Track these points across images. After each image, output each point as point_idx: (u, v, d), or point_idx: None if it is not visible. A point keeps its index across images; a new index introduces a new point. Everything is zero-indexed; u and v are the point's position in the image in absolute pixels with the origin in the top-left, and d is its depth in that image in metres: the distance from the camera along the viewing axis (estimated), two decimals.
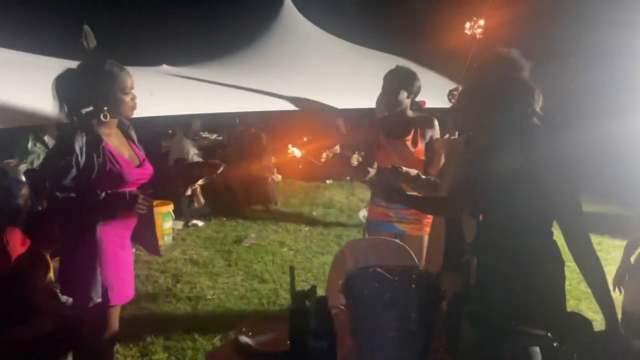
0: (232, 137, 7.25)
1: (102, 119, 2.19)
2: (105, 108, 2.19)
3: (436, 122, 3.04)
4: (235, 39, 7.88)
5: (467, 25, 5.36)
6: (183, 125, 6.39)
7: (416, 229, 3.03)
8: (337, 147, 8.56)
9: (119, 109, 2.22)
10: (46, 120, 3.26)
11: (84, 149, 2.11)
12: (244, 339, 1.73)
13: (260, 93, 5.10)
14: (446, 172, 2.38)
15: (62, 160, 2.10)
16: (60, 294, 2.87)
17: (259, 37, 7.84)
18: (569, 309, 1.97)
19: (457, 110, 2.31)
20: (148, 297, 3.99)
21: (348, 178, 8.50)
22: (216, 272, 4.56)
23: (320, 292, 3.93)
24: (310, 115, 8.47)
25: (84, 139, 2.12)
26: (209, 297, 4.04)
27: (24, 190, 3.30)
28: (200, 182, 5.33)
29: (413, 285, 1.48)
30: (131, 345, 3.26)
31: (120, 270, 2.28)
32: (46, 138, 5.81)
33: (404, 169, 2.60)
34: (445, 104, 4.26)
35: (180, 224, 5.85)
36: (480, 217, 1.93)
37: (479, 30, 5.27)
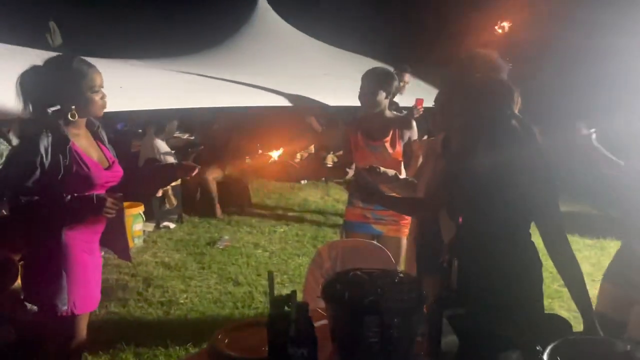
0: (206, 137, 7.13)
1: (70, 118, 2.10)
2: (73, 107, 2.10)
3: (414, 123, 3.04)
4: (208, 37, 7.78)
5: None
6: (155, 124, 6.24)
7: (394, 230, 3.02)
8: (312, 147, 8.53)
9: (87, 108, 2.14)
10: (7, 115, 3.10)
11: (50, 150, 2.02)
12: (219, 346, 1.67)
13: (252, 87, 5.01)
14: (424, 173, 2.36)
15: (26, 161, 2.00)
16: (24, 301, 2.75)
17: (233, 35, 7.76)
18: None
19: (435, 110, 2.30)
20: (118, 302, 3.87)
21: (323, 178, 8.48)
22: (189, 276, 4.46)
23: (297, 293, 3.89)
24: (282, 114, 8.44)
25: (50, 139, 2.03)
26: (181, 301, 3.95)
27: None
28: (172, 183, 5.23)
29: (394, 290, 1.44)
30: (101, 352, 3.15)
31: (88, 277, 2.20)
32: (10, 135, 5.59)
33: (382, 169, 2.58)
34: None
35: (151, 226, 5.72)
36: (460, 219, 1.92)
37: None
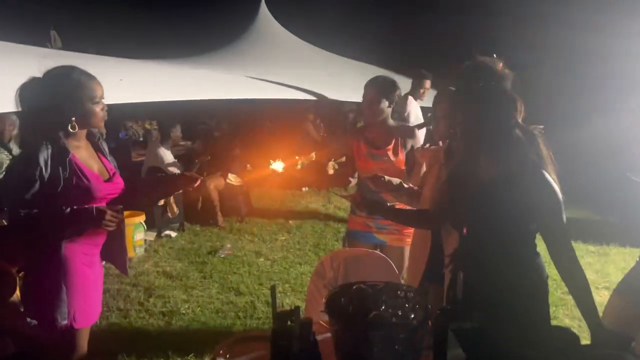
0: (208, 146, 7.12)
1: (70, 129, 2.08)
2: (73, 119, 2.08)
3: (417, 132, 3.02)
4: (208, 42, 7.81)
5: None
6: (160, 132, 6.24)
7: (397, 240, 2.99)
8: (313, 154, 8.51)
9: (88, 119, 2.12)
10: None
11: (49, 162, 2.00)
12: (221, 359, 1.65)
13: (254, 80, 5.02)
14: (428, 181, 2.34)
15: (25, 174, 1.98)
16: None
17: (234, 41, 7.80)
18: None
19: (438, 119, 2.28)
20: (119, 313, 3.84)
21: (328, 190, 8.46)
22: (190, 285, 4.43)
23: (299, 302, 3.86)
24: (283, 120, 8.45)
25: (50, 151, 2.01)
26: (183, 311, 3.92)
27: None
28: None
29: (399, 304, 1.42)
30: None
31: (88, 291, 2.17)
32: (11, 144, 5.59)
33: (386, 177, 2.56)
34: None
35: (152, 235, 5.69)
36: (464, 230, 1.90)
37: None
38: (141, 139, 7.88)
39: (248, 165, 6.95)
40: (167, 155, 6.08)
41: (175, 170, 6.01)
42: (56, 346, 2.16)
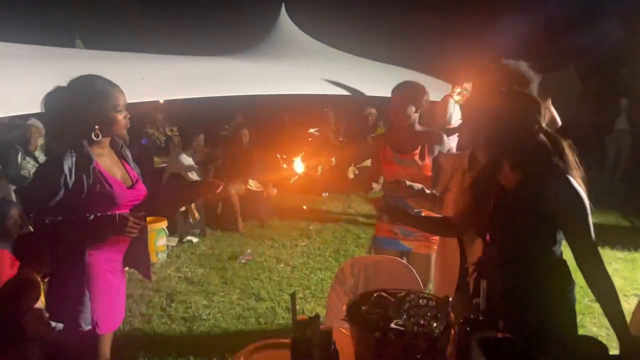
0: (228, 151, 7.17)
1: (94, 138, 2.11)
2: (97, 126, 2.11)
3: (445, 137, 2.96)
4: (229, 46, 7.88)
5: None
6: (183, 138, 6.32)
7: (423, 247, 2.94)
8: (333, 159, 8.49)
9: (111, 127, 2.15)
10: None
11: (74, 170, 2.03)
12: None
13: (283, 75, 5.06)
14: (451, 187, 2.30)
15: (50, 181, 2.02)
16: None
17: (254, 47, 7.86)
18: None
19: (463, 124, 2.24)
20: (142, 318, 3.88)
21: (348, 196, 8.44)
22: (211, 291, 4.46)
23: (319, 309, 3.83)
24: (302, 125, 8.47)
25: (74, 158, 2.04)
26: (204, 317, 3.93)
27: (14, 211, 3.22)
28: None
29: (421, 313, 1.40)
30: None
31: (111, 297, 2.20)
32: (37, 153, 5.72)
33: (408, 182, 2.53)
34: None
35: (174, 241, 5.74)
36: (488, 237, 1.87)
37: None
38: (163, 146, 7.97)
39: (284, 165, 6.97)
40: (189, 162, 6.14)
41: (195, 177, 6.06)
42: (80, 352, 2.19)
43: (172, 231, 5.63)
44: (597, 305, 3.63)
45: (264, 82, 5.13)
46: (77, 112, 2.09)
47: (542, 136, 1.79)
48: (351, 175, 7.45)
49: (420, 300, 1.47)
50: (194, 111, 7.83)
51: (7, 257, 2.96)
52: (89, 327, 2.09)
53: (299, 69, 6.33)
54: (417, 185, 2.55)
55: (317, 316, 1.34)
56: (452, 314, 1.44)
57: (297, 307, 3.71)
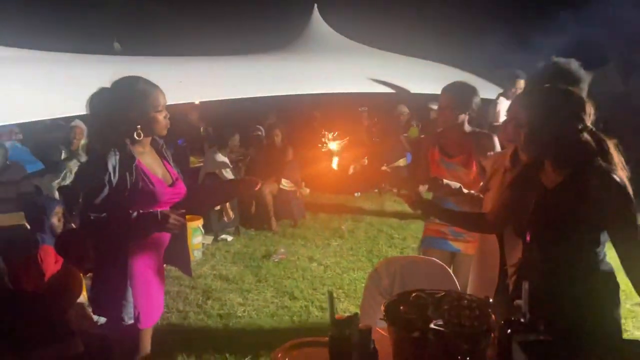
0: (259, 152, 7.24)
1: (136, 137, 2.17)
2: (139, 126, 2.17)
3: (496, 140, 2.89)
4: (262, 47, 7.95)
5: None
6: (218, 139, 6.42)
7: (472, 248, 2.87)
8: (365, 159, 8.45)
9: (152, 126, 2.20)
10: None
11: (117, 168, 2.09)
12: None
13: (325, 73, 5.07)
14: (491, 187, 2.26)
15: (95, 179, 2.08)
16: (92, 314, 2.86)
17: (286, 47, 7.91)
18: None
19: (507, 121, 2.19)
20: (179, 314, 3.96)
21: (377, 190, 8.39)
22: (246, 289, 4.51)
23: (352, 308, 3.83)
24: (335, 124, 8.46)
25: (117, 157, 2.10)
26: (239, 314, 3.99)
27: (58, 209, 3.33)
28: None
29: (461, 314, 1.38)
30: None
31: (151, 292, 2.25)
32: (79, 151, 5.90)
33: (445, 180, 2.50)
34: None
35: (209, 239, 5.84)
36: (528, 237, 1.83)
37: None
38: (198, 146, 8.09)
39: (300, 171, 7.01)
40: (224, 162, 6.23)
41: (230, 176, 6.14)
42: (121, 346, 2.25)
43: (207, 230, 5.73)
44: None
45: (298, 82, 5.15)
46: (120, 112, 2.15)
47: (586, 135, 1.74)
48: (350, 172, 7.37)
49: (460, 301, 1.45)
50: (228, 111, 7.93)
51: (52, 253, 3.06)
52: (131, 321, 2.14)
53: (334, 67, 6.32)
54: (454, 184, 2.52)
55: (356, 315, 1.35)
56: (493, 316, 1.42)
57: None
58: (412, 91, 5.62)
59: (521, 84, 5.38)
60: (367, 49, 8.15)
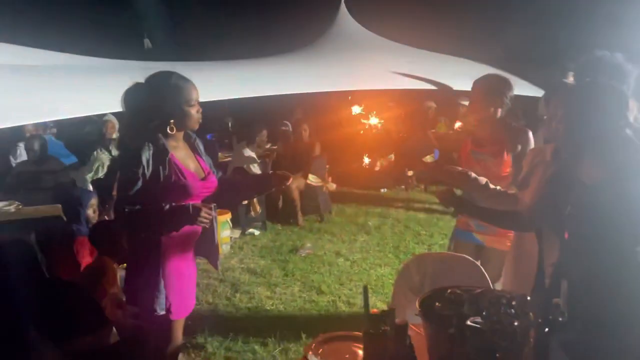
0: (287, 147, 7.27)
1: (169, 131, 2.19)
2: (172, 120, 2.19)
3: (530, 134, 2.82)
4: (290, 43, 7.94)
5: None
6: (246, 134, 6.47)
7: (496, 242, 2.83)
8: (392, 155, 8.40)
9: (184, 121, 2.23)
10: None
11: (151, 161, 2.12)
12: (313, 358, 1.66)
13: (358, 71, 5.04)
14: (531, 183, 2.20)
15: (129, 172, 2.11)
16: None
17: (314, 42, 7.88)
18: None
19: (549, 116, 2.14)
20: (208, 306, 4.01)
21: (403, 187, 8.34)
22: (274, 282, 4.54)
23: (380, 304, 3.81)
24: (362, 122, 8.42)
25: (151, 151, 2.13)
26: (267, 307, 4.02)
27: (93, 200, 3.40)
28: None
29: (500, 311, 1.36)
30: (193, 355, 3.27)
31: (183, 283, 2.29)
32: (111, 146, 6.02)
33: (473, 175, 2.46)
34: None
35: (237, 233, 5.89)
36: (566, 235, 1.79)
37: None
38: (227, 141, 8.18)
39: (327, 166, 7.02)
40: (252, 157, 6.28)
41: (258, 171, 6.19)
42: (155, 336, 2.29)
43: (234, 224, 5.78)
44: None
45: (328, 79, 5.12)
46: (154, 106, 2.18)
47: (628, 131, 1.69)
48: (410, 173, 7.35)
49: (499, 298, 1.43)
50: (256, 106, 7.96)
51: (87, 244, 3.14)
52: (163, 312, 2.18)
53: (361, 65, 6.28)
54: (482, 179, 2.47)
55: (392, 310, 1.34)
56: (531, 314, 1.40)
57: (358, 303, 3.71)
58: (455, 88, 5.45)
59: (569, 77, 5.22)
60: (396, 45, 8.05)
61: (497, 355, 1.28)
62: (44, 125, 6.74)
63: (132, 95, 2.20)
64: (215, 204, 2.24)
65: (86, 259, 3.15)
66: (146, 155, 2.11)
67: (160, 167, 2.13)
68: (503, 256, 2.77)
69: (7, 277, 2.79)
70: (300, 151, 6.87)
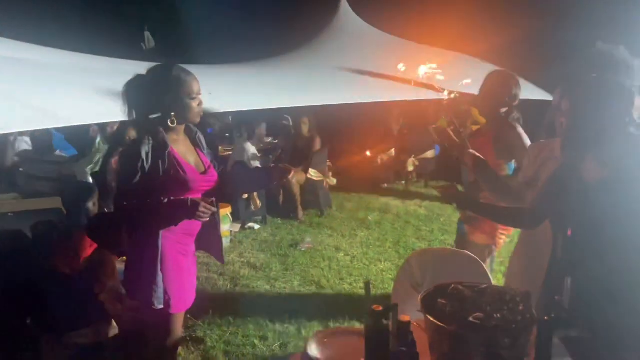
0: (288, 141, 7.25)
1: (170, 124, 2.17)
2: (173, 113, 2.17)
3: (519, 130, 2.80)
4: (292, 39, 7.88)
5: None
6: (246, 128, 6.45)
7: (478, 236, 2.85)
8: (392, 150, 8.39)
9: (185, 114, 2.20)
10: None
11: (150, 155, 2.10)
12: (313, 352, 1.66)
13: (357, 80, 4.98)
14: (541, 177, 2.17)
15: (128, 166, 2.10)
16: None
17: (316, 38, 7.81)
18: None
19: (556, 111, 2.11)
20: (208, 300, 4.00)
21: (403, 182, 8.32)
22: (273, 277, 4.54)
23: (380, 300, 3.80)
24: (363, 116, 8.37)
25: (151, 144, 2.11)
26: (267, 302, 4.01)
27: (93, 193, 3.38)
28: None
29: (502, 307, 1.35)
30: (193, 349, 3.27)
31: (182, 277, 2.27)
32: (112, 138, 6.00)
33: (471, 150, 2.42)
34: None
35: (237, 227, 5.89)
36: (569, 232, 1.78)
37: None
38: (227, 135, 8.16)
39: (328, 161, 7.00)
40: (252, 151, 6.26)
41: (257, 164, 6.17)
42: (154, 329, 2.28)
43: (234, 218, 5.77)
44: None
45: (329, 81, 5.05)
46: (154, 99, 2.16)
47: (632, 129, 1.67)
48: (411, 168, 7.34)
49: (502, 295, 1.42)
50: None
51: (86, 237, 3.12)
52: (161, 306, 2.17)
53: (364, 61, 6.22)
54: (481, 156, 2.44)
55: (395, 305, 1.33)
56: (534, 311, 1.39)
57: (358, 298, 3.69)
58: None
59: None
60: (400, 40, 7.97)
61: (499, 352, 1.27)
62: None
63: (133, 87, 2.18)
64: (214, 199, 2.22)
65: (85, 252, 3.13)
66: (145, 148, 2.09)
67: (160, 161, 2.11)
68: (483, 251, 2.77)
69: (5, 270, 2.79)
70: (301, 145, 6.85)
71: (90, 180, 5.12)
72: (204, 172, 2.30)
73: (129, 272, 2.32)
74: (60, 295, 2.77)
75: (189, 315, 3.61)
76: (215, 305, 3.93)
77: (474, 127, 6.57)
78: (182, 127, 2.27)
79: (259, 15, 11.88)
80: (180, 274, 2.27)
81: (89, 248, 3.11)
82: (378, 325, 1.33)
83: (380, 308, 1.36)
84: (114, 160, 4.71)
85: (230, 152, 6.72)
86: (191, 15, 12.25)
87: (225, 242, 5.33)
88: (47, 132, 5.44)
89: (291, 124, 7.81)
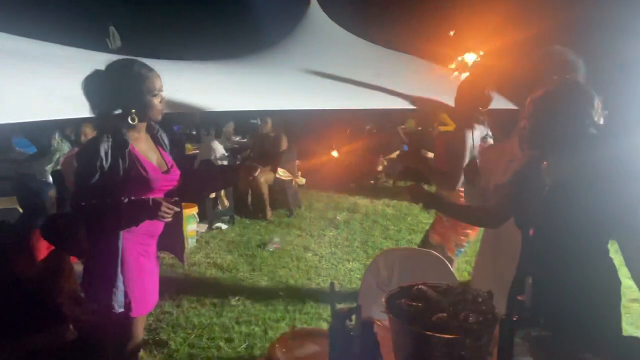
0: (257, 140, 7.19)
1: (130, 122, 2.11)
2: (133, 111, 2.10)
3: (467, 134, 2.85)
4: (262, 38, 7.81)
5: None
6: (213, 127, 6.37)
7: (436, 236, 2.90)
8: (395, 153, 8.33)
9: (147, 111, 2.14)
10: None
11: (110, 153, 2.03)
12: (278, 355, 1.63)
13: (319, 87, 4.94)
14: (490, 181, 2.22)
15: (87, 165, 2.02)
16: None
17: (284, 38, 7.76)
18: None
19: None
20: (172, 302, 3.92)
21: (372, 181, 8.37)
22: (240, 278, 4.48)
23: (348, 299, 3.81)
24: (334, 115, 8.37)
25: (110, 142, 2.04)
26: (233, 303, 3.95)
27: (51, 193, 3.26)
28: None
29: (464, 307, 1.35)
30: (155, 352, 3.19)
31: (144, 279, 2.21)
32: (72, 136, 5.82)
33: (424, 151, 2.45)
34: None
35: (204, 227, 5.80)
36: (531, 231, 1.80)
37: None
38: (194, 133, 8.04)
39: (297, 161, 6.97)
40: (220, 149, 6.18)
41: (224, 163, 6.10)
42: (113, 333, 2.21)
43: (201, 217, 5.69)
44: (635, 306, 3.53)
45: (300, 85, 5.00)
46: (114, 95, 2.09)
47: (592, 130, 1.70)
48: (381, 167, 7.37)
49: (464, 295, 1.42)
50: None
51: (43, 238, 3.00)
52: (121, 309, 2.10)
53: (333, 65, 6.20)
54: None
55: (359, 307, 1.31)
56: (496, 310, 1.39)
57: (325, 298, 3.68)
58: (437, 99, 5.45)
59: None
60: (363, 43, 8.00)
61: (462, 352, 1.27)
62: None
63: (92, 83, 2.10)
64: (177, 198, 2.16)
65: (43, 253, 3.02)
66: (104, 147, 2.02)
67: (120, 159, 2.04)
68: (441, 251, 2.82)
69: None
70: (267, 145, 6.81)
71: (50, 179, 4.95)
72: (167, 171, 2.24)
73: (87, 274, 2.23)
74: (14, 298, 2.67)
75: (151, 318, 3.54)
76: (180, 307, 3.85)
77: (442, 128, 6.66)
78: (144, 125, 2.20)
79: (227, 14, 11.75)
80: (142, 275, 2.20)
81: (46, 249, 3.01)
82: (342, 326, 1.32)
83: (345, 309, 1.35)
84: (62, 160, 4.56)
85: (197, 151, 6.62)
86: (156, 11, 12.04)
87: (191, 242, 5.24)
88: (6, 129, 5.23)
89: (259, 122, 7.75)
